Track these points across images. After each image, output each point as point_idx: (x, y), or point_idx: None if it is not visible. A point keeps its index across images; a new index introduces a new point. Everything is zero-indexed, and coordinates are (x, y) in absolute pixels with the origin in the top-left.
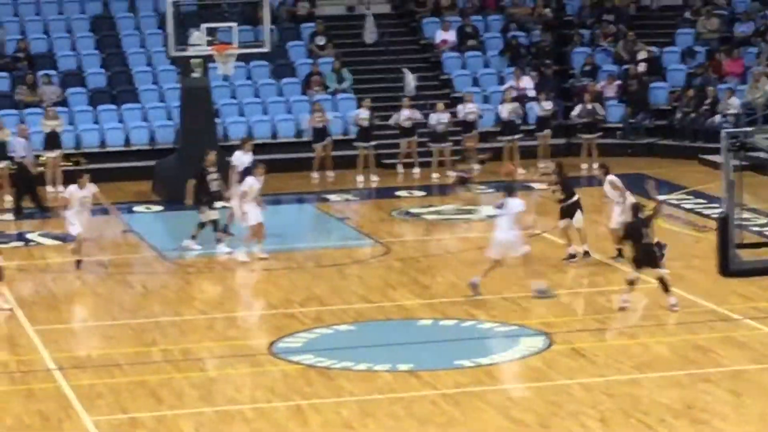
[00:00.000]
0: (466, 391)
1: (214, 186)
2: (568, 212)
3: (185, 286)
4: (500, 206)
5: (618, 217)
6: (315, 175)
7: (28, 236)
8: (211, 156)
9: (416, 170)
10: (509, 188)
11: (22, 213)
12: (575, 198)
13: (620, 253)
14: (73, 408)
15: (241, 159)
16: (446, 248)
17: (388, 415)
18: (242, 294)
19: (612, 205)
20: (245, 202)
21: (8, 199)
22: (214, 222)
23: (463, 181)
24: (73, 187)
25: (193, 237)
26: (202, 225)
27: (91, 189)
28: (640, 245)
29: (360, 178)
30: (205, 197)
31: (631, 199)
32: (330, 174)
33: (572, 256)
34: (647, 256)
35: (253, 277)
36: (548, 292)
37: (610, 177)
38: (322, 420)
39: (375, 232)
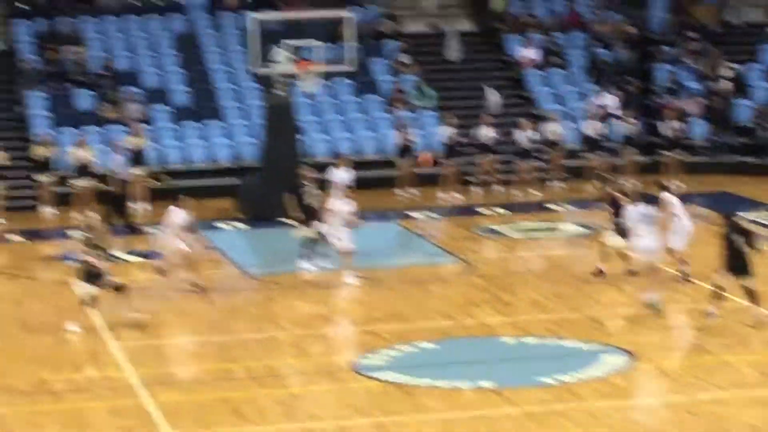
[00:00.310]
0: (548, 409)
1: (310, 201)
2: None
3: (269, 303)
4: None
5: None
6: (400, 192)
7: (114, 253)
8: (307, 171)
9: (495, 187)
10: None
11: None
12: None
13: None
14: (156, 424)
15: (341, 176)
16: (528, 266)
17: None
18: (325, 311)
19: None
20: (336, 225)
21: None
22: (310, 239)
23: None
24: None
25: (304, 257)
26: (307, 241)
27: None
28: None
29: (443, 195)
30: (301, 214)
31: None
32: (413, 191)
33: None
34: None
35: (336, 294)
36: (657, 306)
37: (663, 194)
38: None
39: (458, 249)
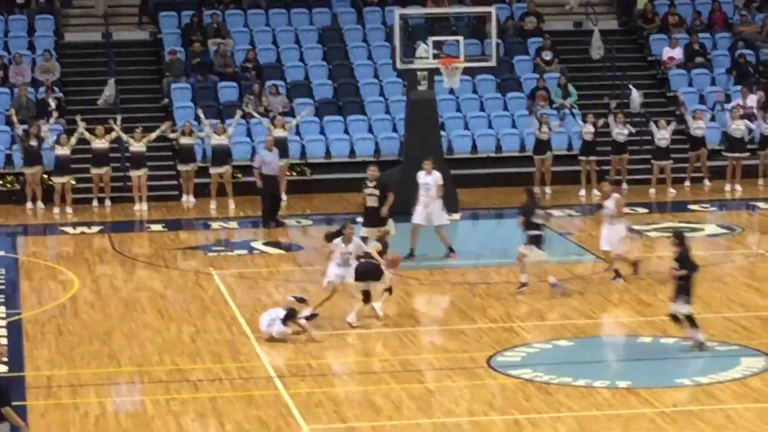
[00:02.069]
0: (684, 410)
1: (370, 201)
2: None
3: (406, 297)
4: None
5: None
6: (535, 189)
7: (253, 245)
8: (373, 171)
9: (625, 186)
10: None
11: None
12: None
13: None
14: (292, 416)
15: (424, 179)
16: (668, 266)
17: None
18: (462, 307)
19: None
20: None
21: (231, 207)
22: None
23: None
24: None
25: (451, 248)
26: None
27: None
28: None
29: (582, 193)
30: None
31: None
32: (547, 190)
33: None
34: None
35: (473, 290)
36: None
37: (617, 195)
38: None
39: (596, 247)
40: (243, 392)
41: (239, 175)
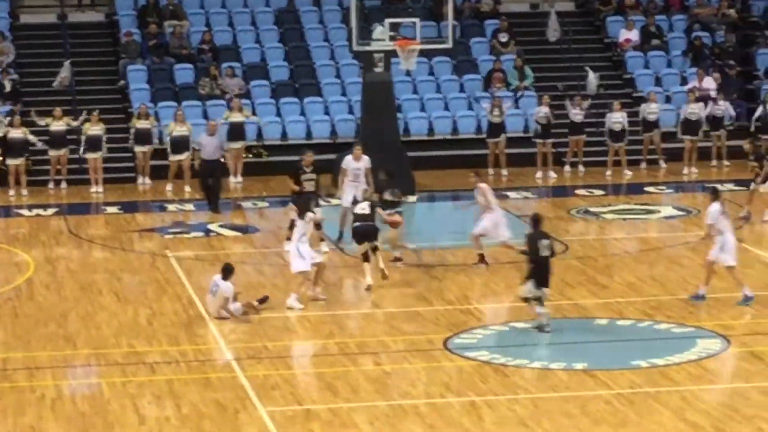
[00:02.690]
0: (640, 392)
1: (308, 186)
2: None
3: (362, 279)
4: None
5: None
6: (490, 171)
7: (209, 227)
8: (309, 157)
9: (582, 168)
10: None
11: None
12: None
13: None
14: (248, 398)
15: (350, 164)
16: (624, 248)
17: (563, 414)
18: (419, 289)
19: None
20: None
21: (188, 190)
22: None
23: None
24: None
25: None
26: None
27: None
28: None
29: (539, 175)
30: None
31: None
32: (504, 172)
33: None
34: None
35: (430, 272)
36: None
37: (482, 185)
38: (496, 417)
39: (553, 230)
40: (200, 375)
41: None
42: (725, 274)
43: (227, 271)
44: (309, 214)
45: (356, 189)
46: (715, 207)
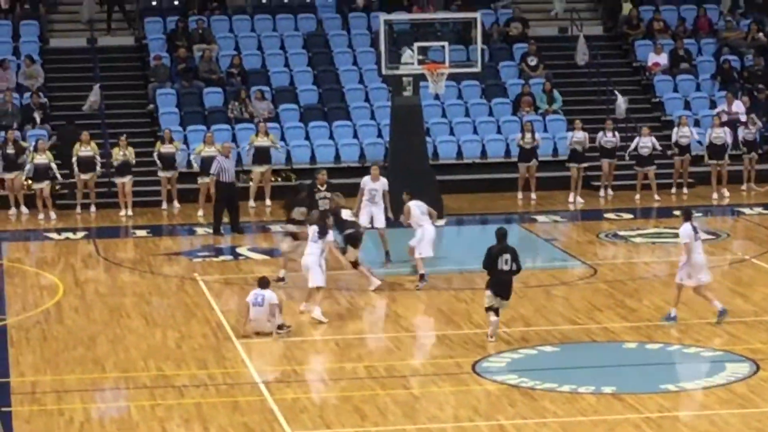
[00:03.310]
0: (669, 416)
1: (322, 205)
2: None
3: (391, 303)
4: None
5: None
6: (519, 195)
7: (238, 250)
8: (322, 176)
9: (610, 192)
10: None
11: (220, 231)
12: None
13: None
14: (277, 421)
15: (367, 184)
16: (653, 271)
17: None
18: (448, 312)
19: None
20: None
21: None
22: None
23: None
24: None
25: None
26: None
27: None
28: None
29: (571, 199)
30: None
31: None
32: (533, 196)
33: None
34: None
35: (458, 296)
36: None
37: (413, 203)
38: None
39: (582, 253)
40: (228, 398)
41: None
42: (753, 296)
43: (265, 282)
44: (330, 235)
45: (373, 209)
46: (686, 227)
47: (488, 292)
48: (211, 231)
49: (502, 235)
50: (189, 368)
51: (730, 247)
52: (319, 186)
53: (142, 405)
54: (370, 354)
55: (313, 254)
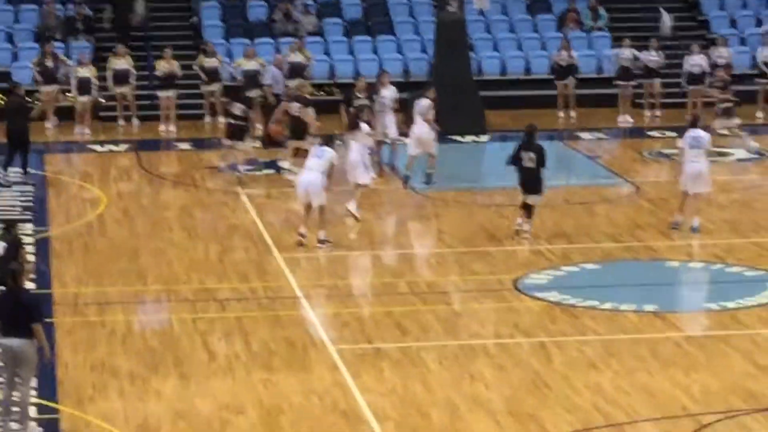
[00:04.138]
0: (710, 335)
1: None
2: None
3: (434, 218)
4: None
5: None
6: (560, 113)
7: (280, 164)
8: (361, 82)
9: (658, 112)
10: None
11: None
12: None
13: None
14: (318, 335)
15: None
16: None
17: (632, 356)
18: (490, 228)
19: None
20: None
21: (259, 127)
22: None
23: None
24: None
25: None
26: None
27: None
28: None
29: (620, 118)
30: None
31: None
32: (572, 113)
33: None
34: None
35: (501, 212)
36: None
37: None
38: (565, 358)
39: (625, 171)
40: (269, 312)
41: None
42: None
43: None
44: (363, 126)
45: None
46: (686, 134)
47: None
48: (256, 145)
49: (529, 132)
50: (230, 282)
51: None
52: (357, 93)
53: (183, 318)
54: (411, 269)
55: (357, 152)
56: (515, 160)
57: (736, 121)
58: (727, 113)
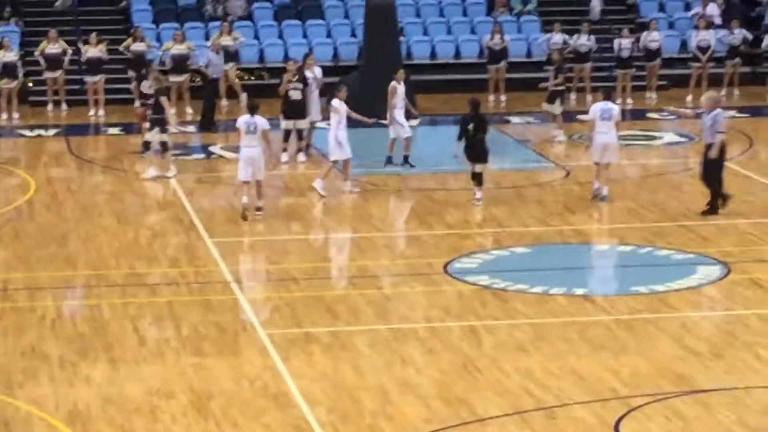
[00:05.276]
0: (640, 318)
1: (294, 96)
2: None
3: (364, 203)
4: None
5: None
6: (490, 97)
7: (210, 149)
8: (292, 65)
9: (589, 96)
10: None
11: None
12: None
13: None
14: (249, 320)
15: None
16: (626, 174)
17: (562, 339)
18: (420, 213)
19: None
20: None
21: (189, 112)
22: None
23: None
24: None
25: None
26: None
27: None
28: None
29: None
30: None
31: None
32: (502, 98)
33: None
34: None
35: (431, 196)
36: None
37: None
38: (495, 341)
39: (555, 156)
40: (200, 297)
41: (197, 80)
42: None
43: (255, 107)
44: (336, 103)
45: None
46: (596, 106)
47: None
48: (187, 129)
49: (474, 104)
50: (161, 266)
51: (703, 150)
52: (291, 75)
53: (113, 303)
54: (341, 254)
55: (332, 127)
56: (464, 132)
57: (560, 107)
58: (553, 97)
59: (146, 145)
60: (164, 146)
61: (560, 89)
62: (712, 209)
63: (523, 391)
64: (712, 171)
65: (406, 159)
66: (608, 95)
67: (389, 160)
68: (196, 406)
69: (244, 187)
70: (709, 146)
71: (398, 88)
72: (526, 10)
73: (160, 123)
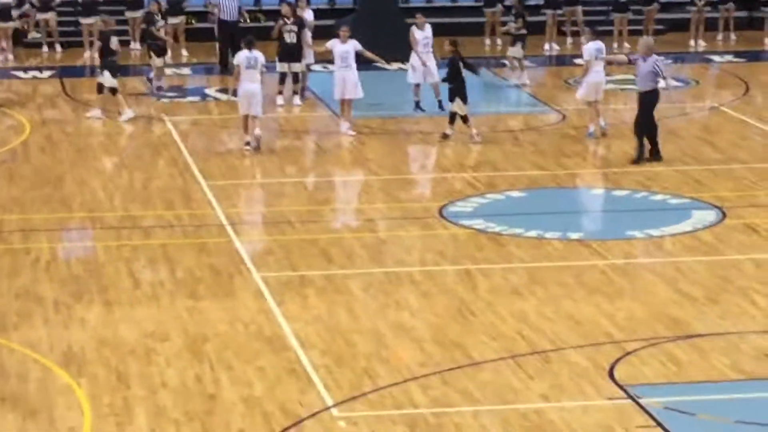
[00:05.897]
0: (635, 262)
1: (288, 39)
2: None
3: (360, 146)
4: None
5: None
6: (486, 41)
7: (206, 91)
8: (285, 7)
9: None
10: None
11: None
12: None
13: None
14: (243, 263)
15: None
16: (622, 118)
17: (557, 283)
18: (415, 157)
19: None
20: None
21: (184, 54)
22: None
23: None
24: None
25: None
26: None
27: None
28: None
29: (546, 46)
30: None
31: None
32: (498, 41)
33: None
34: None
35: (431, 140)
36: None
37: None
38: (490, 285)
39: (551, 99)
40: (195, 239)
41: (193, 22)
42: (720, 143)
43: (252, 43)
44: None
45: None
46: (590, 46)
47: (458, 102)
48: (181, 72)
49: (455, 42)
50: (155, 209)
51: (700, 95)
52: (286, 19)
53: (108, 245)
54: (337, 197)
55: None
56: (458, 74)
57: (521, 51)
58: (515, 41)
59: (100, 88)
60: (113, 91)
61: (522, 33)
62: (655, 156)
63: (517, 334)
64: (648, 119)
65: (440, 104)
66: (597, 34)
67: (417, 105)
68: (191, 348)
69: (243, 122)
70: (644, 93)
71: (417, 33)
72: None
73: (110, 66)
